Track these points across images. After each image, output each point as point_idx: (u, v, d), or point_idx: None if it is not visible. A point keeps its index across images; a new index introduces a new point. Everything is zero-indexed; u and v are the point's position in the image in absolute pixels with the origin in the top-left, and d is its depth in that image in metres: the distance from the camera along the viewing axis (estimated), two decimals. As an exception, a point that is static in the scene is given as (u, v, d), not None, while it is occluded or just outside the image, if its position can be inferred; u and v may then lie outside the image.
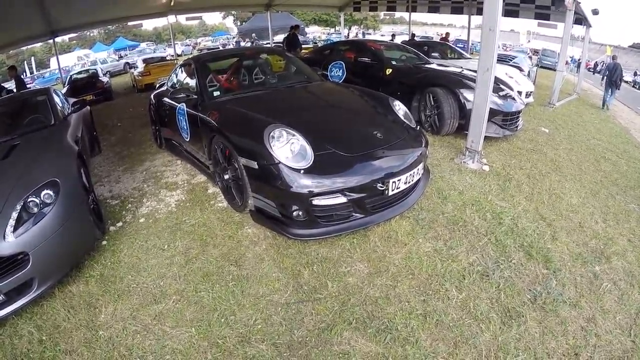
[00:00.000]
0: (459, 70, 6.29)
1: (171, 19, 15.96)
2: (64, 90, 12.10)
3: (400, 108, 4.01)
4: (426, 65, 6.72)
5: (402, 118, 3.84)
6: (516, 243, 3.19)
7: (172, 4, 14.59)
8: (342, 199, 2.90)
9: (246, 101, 4.00)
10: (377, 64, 6.79)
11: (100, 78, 12.98)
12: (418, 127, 3.87)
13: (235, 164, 3.31)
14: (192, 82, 4.52)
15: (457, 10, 16.29)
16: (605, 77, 12.72)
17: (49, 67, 26.56)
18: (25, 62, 34.40)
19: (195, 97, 4.12)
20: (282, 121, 3.19)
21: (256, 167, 3.00)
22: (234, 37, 21.59)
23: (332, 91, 4.63)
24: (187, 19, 17.75)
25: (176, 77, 5.40)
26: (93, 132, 6.20)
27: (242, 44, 26.83)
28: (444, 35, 19.95)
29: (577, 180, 4.81)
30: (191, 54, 31.42)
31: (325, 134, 3.25)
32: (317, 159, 2.91)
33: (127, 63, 22.98)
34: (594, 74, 30.10)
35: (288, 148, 2.95)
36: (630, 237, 3.60)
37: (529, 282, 2.77)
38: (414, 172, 3.24)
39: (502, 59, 14.69)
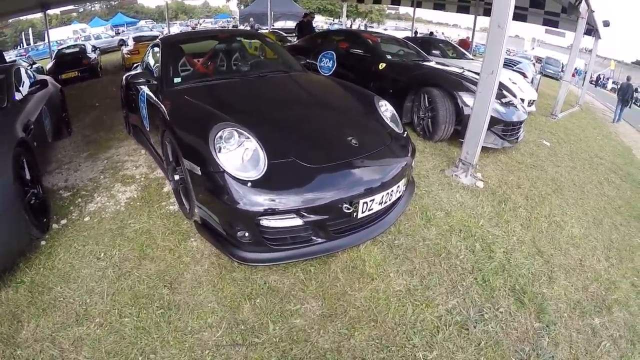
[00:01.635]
0: (459, 70, 5.83)
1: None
2: (49, 65, 11.59)
3: (387, 109, 3.49)
4: (424, 63, 6.23)
5: (388, 121, 3.31)
6: (507, 285, 2.69)
7: None
8: (297, 221, 2.40)
9: (205, 91, 3.51)
10: (370, 57, 6.27)
11: (87, 54, 12.41)
12: (405, 132, 3.37)
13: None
14: (157, 64, 4.07)
15: (463, 9, 15.65)
16: (618, 95, 13.81)
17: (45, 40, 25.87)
18: (23, 33, 33.54)
19: (156, 82, 3.65)
20: (236, 118, 2.72)
21: (199, 173, 2.51)
22: (234, 19, 20.82)
23: (310, 85, 4.05)
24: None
25: (148, 57, 4.87)
26: (62, 114, 5.72)
27: (240, 27, 26.07)
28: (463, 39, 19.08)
29: (580, 205, 4.36)
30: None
31: (287, 137, 2.77)
32: (271, 168, 2.42)
33: (122, 40, 22.25)
34: (595, 86, 29.76)
35: (238, 153, 2.46)
36: (634, 279, 3.16)
37: (517, 338, 2.29)
38: (392, 190, 2.73)
39: (506, 64, 14.19)
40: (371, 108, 3.44)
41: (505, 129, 5.12)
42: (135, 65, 5.88)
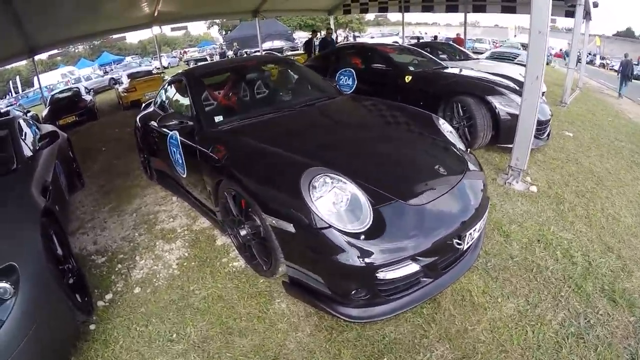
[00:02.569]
0: (483, 74, 5.72)
1: (156, 30, 15.01)
2: (44, 112, 11.21)
3: (446, 127, 3.24)
4: (446, 71, 6.09)
5: (452, 140, 3.05)
6: (596, 287, 2.67)
7: (155, 14, 13.78)
8: (414, 267, 2.12)
9: (260, 129, 3.13)
10: (392, 71, 6.09)
11: (83, 97, 12.08)
12: (468, 148, 3.13)
13: (256, 219, 2.51)
14: (184, 103, 3.72)
15: (452, 8, 15.59)
16: (619, 72, 14.60)
17: (34, 86, 25.48)
18: (10, 81, 33.20)
19: (191, 123, 3.28)
20: (319, 160, 2.37)
21: (292, 231, 2.16)
22: (219, 47, 20.57)
23: (363, 109, 3.72)
24: (172, 29, 16.84)
25: (165, 95, 4.56)
26: (72, 165, 5.33)
27: (229, 53, 25.92)
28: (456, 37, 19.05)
29: (622, 194, 4.30)
30: (177, 65, 30.63)
31: (379, 175, 2.42)
32: (377, 214, 2.11)
33: (112, 79, 21.96)
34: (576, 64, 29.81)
35: (339, 203, 2.12)
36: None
37: (622, 336, 2.28)
38: (485, 213, 2.50)
39: (506, 57, 14.09)
40: (434, 129, 3.17)
41: (538, 128, 4.92)
42: (146, 103, 5.53)
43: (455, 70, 6.04)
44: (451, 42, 13.07)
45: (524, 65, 10.22)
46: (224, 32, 44.91)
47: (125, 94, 12.12)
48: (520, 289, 2.62)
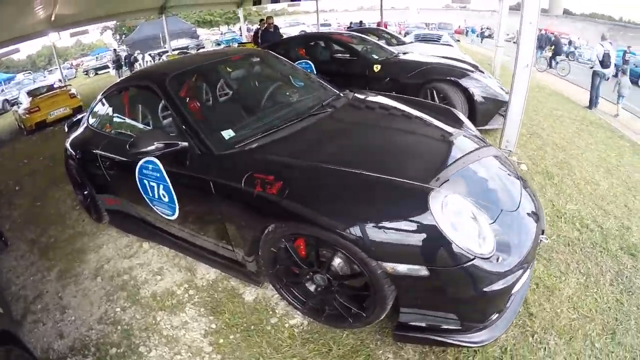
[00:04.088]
0: (444, 59, 5.77)
1: (54, 37, 13.12)
2: None
3: (465, 119, 3.07)
4: (407, 57, 5.94)
5: (476, 132, 2.91)
6: (616, 247, 3.10)
7: (52, 18, 12.03)
8: (523, 272, 1.90)
9: (297, 144, 2.40)
10: (358, 60, 5.86)
11: (-26, 127, 10.04)
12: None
13: (335, 266, 2.05)
14: (153, 117, 3.07)
15: None
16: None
17: None
18: None
19: (183, 145, 2.44)
20: (420, 179, 1.92)
21: (425, 274, 1.74)
22: (117, 52, 18.31)
23: (390, 109, 3.04)
24: (72, 34, 14.97)
25: (108, 110, 3.58)
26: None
27: (139, 57, 23.74)
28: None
29: (587, 159, 4.92)
30: (75, 76, 27.51)
31: (473, 187, 2.11)
32: (498, 230, 1.88)
33: (6, 100, 18.97)
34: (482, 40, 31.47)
35: (470, 227, 1.79)
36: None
37: None
38: None
39: (429, 39, 14.14)
40: (462, 124, 2.90)
41: (504, 108, 4.97)
42: (70, 123, 4.66)
43: (414, 57, 5.91)
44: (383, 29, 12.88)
45: (450, 46, 10.98)
46: (118, 37, 41.84)
47: (28, 115, 10.19)
48: (571, 264, 2.85)
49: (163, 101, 2.70)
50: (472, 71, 5.06)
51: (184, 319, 2.66)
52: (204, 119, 2.70)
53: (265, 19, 9.90)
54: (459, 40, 19.89)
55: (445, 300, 1.84)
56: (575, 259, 2.90)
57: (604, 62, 9.96)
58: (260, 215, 2.12)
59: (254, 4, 18.27)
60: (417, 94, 4.94)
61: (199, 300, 2.80)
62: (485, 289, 1.74)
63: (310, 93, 3.29)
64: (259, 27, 11.24)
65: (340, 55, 6.04)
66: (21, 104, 11.07)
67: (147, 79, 3.03)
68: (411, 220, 1.74)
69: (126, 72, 16.18)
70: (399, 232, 1.74)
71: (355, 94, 3.26)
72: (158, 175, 2.64)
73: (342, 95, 3.19)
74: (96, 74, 24.67)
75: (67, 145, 4.09)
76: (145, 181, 2.82)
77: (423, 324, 1.95)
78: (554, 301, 2.49)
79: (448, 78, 4.94)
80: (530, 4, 4.02)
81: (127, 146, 2.43)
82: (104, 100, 3.70)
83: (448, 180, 1.97)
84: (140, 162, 2.75)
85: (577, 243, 3.09)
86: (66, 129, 4.65)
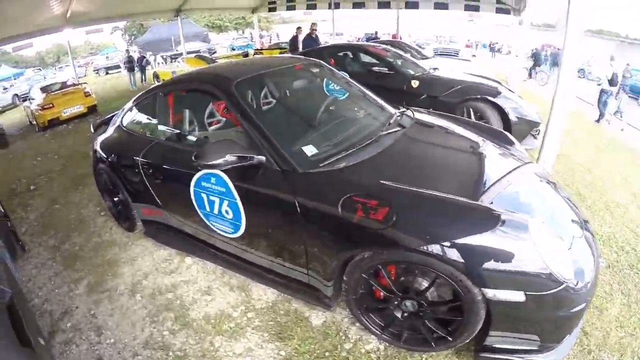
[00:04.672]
0: (480, 77, 5.72)
1: (68, 33, 12.91)
2: None
3: (516, 141, 3.02)
4: (442, 74, 5.79)
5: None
6: None
7: (68, 15, 11.86)
8: None
9: (394, 168, 2.26)
10: (396, 75, 5.71)
11: (-13, 122, 9.68)
12: None
13: (430, 292, 2.00)
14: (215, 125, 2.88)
15: (384, 5, 15.45)
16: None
17: None
18: None
19: (261, 159, 2.22)
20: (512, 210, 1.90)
21: (521, 300, 1.74)
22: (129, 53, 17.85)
23: (454, 131, 2.93)
24: (88, 32, 14.81)
25: (154, 114, 3.28)
26: (8, 226, 3.73)
27: (150, 58, 23.40)
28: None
29: (610, 180, 4.99)
30: (85, 75, 27.19)
31: (547, 213, 2.16)
32: (574, 255, 1.92)
33: (16, 95, 18.62)
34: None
35: (563, 253, 1.85)
36: None
37: None
38: None
39: (448, 53, 13.93)
40: (512, 144, 2.92)
41: (536, 129, 4.97)
42: (99, 122, 4.24)
43: (450, 74, 5.76)
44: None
45: (468, 61, 10.94)
46: (127, 37, 41.72)
47: (41, 111, 9.83)
48: (613, 285, 2.88)
49: (228, 108, 2.50)
50: (503, 90, 5.00)
51: (247, 345, 2.35)
52: (280, 132, 2.42)
53: (310, 24, 9.80)
54: (474, 55, 19.62)
55: (532, 323, 1.86)
56: (616, 280, 2.96)
57: (612, 81, 10.47)
58: (357, 240, 1.96)
59: (269, 10, 18.19)
60: (453, 111, 4.75)
61: (260, 324, 2.54)
62: (570, 311, 1.80)
63: (372, 108, 3.11)
64: (295, 33, 11.25)
65: (377, 68, 5.88)
66: (33, 99, 10.71)
67: (209, 82, 2.77)
68: (513, 247, 1.73)
69: (137, 74, 15.77)
70: (502, 258, 1.73)
71: (414, 113, 3.11)
72: (224, 190, 2.41)
73: (404, 113, 3.05)
74: (107, 73, 24.42)
75: (97, 147, 3.76)
76: (203, 195, 2.59)
77: (507, 346, 1.95)
78: (603, 320, 2.55)
79: (485, 97, 4.84)
80: (575, 21, 3.76)
81: (193, 157, 2.19)
82: (144, 101, 3.42)
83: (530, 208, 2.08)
84: (199, 175, 2.54)
85: (616, 265, 3.15)
86: (92, 130, 4.31)
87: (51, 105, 9.92)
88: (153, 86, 3.46)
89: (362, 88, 3.36)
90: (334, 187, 2.04)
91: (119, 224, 3.97)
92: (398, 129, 2.65)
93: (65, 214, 4.66)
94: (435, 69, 6.02)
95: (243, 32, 42.01)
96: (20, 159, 8.08)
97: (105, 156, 3.60)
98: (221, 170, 2.32)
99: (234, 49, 20.36)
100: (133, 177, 3.28)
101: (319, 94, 3.12)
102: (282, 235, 2.30)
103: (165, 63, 19.85)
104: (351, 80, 3.48)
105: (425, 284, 1.96)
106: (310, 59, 3.47)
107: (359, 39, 21.84)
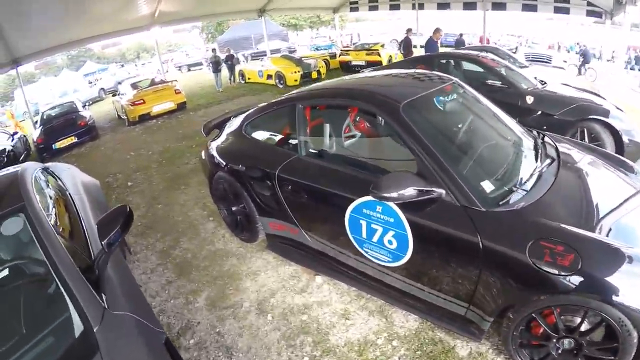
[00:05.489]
0: (583, 91, 5.37)
1: (156, 32, 13.29)
2: (36, 135, 9.19)
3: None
4: (553, 89, 5.31)
5: None
6: None
7: (156, 15, 12.18)
8: None
9: (570, 209, 2.16)
10: (510, 89, 5.21)
11: (80, 113, 9.94)
12: None
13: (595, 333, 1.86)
14: (372, 147, 2.92)
15: (469, 6, 14.53)
16: None
17: (14, 100, 22.85)
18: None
19: (440, 192, 2.08)
20: None
21: None
22: (215, 52, 17.86)
23: (596, 162, 2.71)
24: (175, 31, 15.28)
25: (292, 126, 3.02)
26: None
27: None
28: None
29: None
30: (167, 71, 28.15)
31: None
32: None
33: (102, 89, 19.58)
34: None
35: None
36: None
37: None
38: None
39: (540, 60, 12.84)
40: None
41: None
42: (216, 122, 4.16)
43: (563, 90, 5.32)
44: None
45: (562, 69, 9.86)
46: (204, 36, 42.93)
47: (132, 107, 10.06)
48: None
49: (398, 133, 2.31)
50: (611, 108, 4.63)
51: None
52: (458, 163, 2.25)
53: (436, 29, 9.31)
54: (565, 61, 18.17)
55: None
56: None
57: None
58: (537, 283, 1.88)
59: (351, 10, 17.94)
60: (566, 130, 4.51)
61: (407, 353, 2.32)
62: None
63: (515, 133, 2.82)
64: (406, 34, 11.02)
65: (490, 81, 5.42)
66: (123, 94, 11.01)
67: (371, 103, 2.58)
68: None
69: (223, 74, 15.64)
70: None
71: (553, 138, 2.93)
72: (391, 220, 2.24)
73: (544, 140, 2.85)
74: (189, 70, 25.15)
75: (214, 152, 3.57)
76: (363, 222, 2.41)
77: None
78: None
79: (600, 118, 4.46)
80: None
81: (371, 188, 2.08)
82: (275, 110, 3.23)
83: None
84: (361, 201, 2.37)
85: None
86: (203, 132, 4.10)
87: (142, 101, 10.14)
88: (287, 96, 3.21)
89: (495, 108, 3.04)
90: (519, 229, 1.95)
91: (235, 234, 3.70)
92: (550, 160, 2.51)
93: (169, 216, 4.50)
94: (543, 82, 5.53)
95: (318, 30, 41.96)
96: (112, 152, 8.25)
97: (225, 164, 3.39)
98: (395, 207, 2.20)
99: (317, 49, 19.85)
100: (264, 191, 3.08)
101: (471, 117, 2.84)
102: (452, 270, 2.15)
103: (247, 61, 20.01)
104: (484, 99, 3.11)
105: (589, 325, 1.89)
106: (450, 77, 3.05)
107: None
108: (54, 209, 2.32)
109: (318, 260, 2.98)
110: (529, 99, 4.99)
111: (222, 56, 14.41)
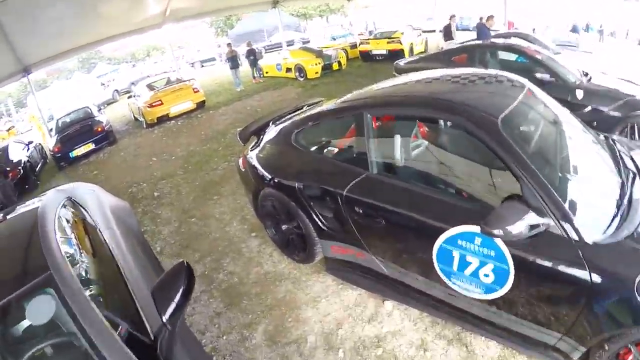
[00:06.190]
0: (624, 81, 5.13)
1: (168, 29, 12.92)
2: (52, 143, 8.88)
3: None
4: (601, 82, 5.07)
5: None
6: None
7: (167, 13, 11.81)
8: None
9: None
10: (559, 82, 4.99)
11: (96, 118, 9.62)
12: None
13: None
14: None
15: None
16: None
17: (27, 106, 22.76)
18: (2, 104, 30.87)
19: (549, 224, 1.84)
20: None
21: None
22: (231, 47, 16.73)
23: None
24: (183, 27, 14.93)
25: (360, 139, 2.63)
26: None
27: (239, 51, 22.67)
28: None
29: None
30: (179, 68, 27.70)
31: None
32: None
33: (116, 90, 19.25)
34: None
35: None
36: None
37: None
38: None
39: (568, 44, 12.01)
40: None
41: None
42: (271, 124, 3.62)
43: (610, 83, 5.08)
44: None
45: (590, 53, 9.40)
46: (214, 30, 42.32)
47: (149, 109, 9.69)
48: None
49: (496, 153, 2.01)
50: None
51: None
52: (563, 190, 2.00)
53: (489, 16, 9.13)
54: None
55: None
56: None
57: None
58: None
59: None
60: (615, 126, 4.44)
61: None
62: None
63: (600, 147, 2.55)
64: (449, 21, 10.92)
65: (540, 75, 5.07)
66: (139, 96, 10.64)
67: (461, 115, 2.18)
68: None
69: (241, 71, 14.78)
70: None
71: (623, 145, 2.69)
72: (493, 254, 1.99)
73: (620, 147, 2.61)
74: (202, 66, 24.61)
75: (256, 164, 3.21)
76: (456, 253, 2.13)
77: None
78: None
79: None
80: None
81: (482, 224, 1.81)
82: (334, 118, 2.90)
83: None
84: (456, 231, 2.09)
85: None
86: (239, 140, 3.71)
87: (160, 102, 9.77)
88: (349, 102, 2.81)
89: (568, 114, 2.78)
90: (627, 262, 1.80)
91: (286, 254, 3.32)
92: (633, 176, 2.26)
93: (205, 232, 4.13)
94: (586, 73, 5.24)
95: (328, 19, 41.15)
96: (133, 158, 7.92)
97: (273, 178, 3.01)
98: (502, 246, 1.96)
99: (334, 39, 19.12)
100: (327, 212, 2.72)
101: (556, 129, 2.53)
102: (552, 303, 1.99)
103: (261, 53, 19.35)
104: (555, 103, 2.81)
105: None
106: (520, 79, 2.73)
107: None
108: (85, 261, 1.94)
109: (388, 286, 2.63)
110: (579, 94, 4.79)
111: (241, 51, 13.88)
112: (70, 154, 8.55)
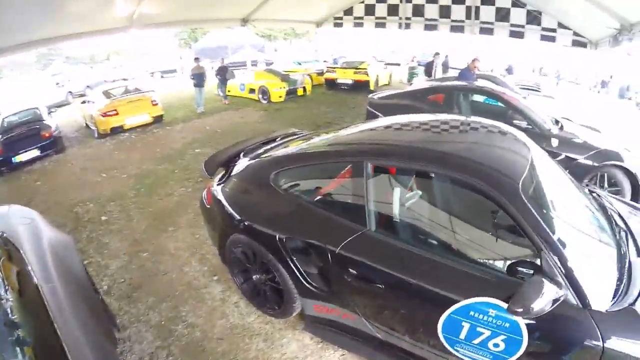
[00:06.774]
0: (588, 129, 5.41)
1: (134, 34, 12.31)
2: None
3: None
4: (569, 130, 5.17)
5: None
6: None
7: (134, 17, 11.24)
8: None
9: None
10: (535, 130, 4.95)
11: (45, 122, 8.70)
12: None
13: None
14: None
15: (457, 29, 14.38)
16: None
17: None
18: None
19: (564, 294, 1.79)
20: None
21: None
22: (199, 61, 16.00)
23: None
24: (150, 35, 14.26)
25: (362, 193, 2.35)
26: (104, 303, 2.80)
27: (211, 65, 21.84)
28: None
29: None
30: (140, 76, 26.52)
31: None
32: None
33: (70, 92, 17.95)
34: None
35: None
36: None
37: None
38: None
39: (530, 88, 12.46)
40: None
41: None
42: (258, 150, 3.33)
43: (581, 132, 5.17)
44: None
45: (552, 98, 9.72)
46: (176, 41, 41.57)
47: (103, 118, 8.95)
48: None
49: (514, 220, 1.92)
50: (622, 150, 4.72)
51: None
52: (574, 257, 1.91)
53: (473, 59, 8.50)
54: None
55: None
56: None
57: None
58: None
59: (335, 26, 17.44)
60: (585, 175, 4.57)
61: None
62: None
63: (593, 206, 2.54)
64: (433, 58, 10.82)
65: (517, 122, 5.06)
66: (93, 102, 9.86)
67: (479, 177, 2.03)
68: None
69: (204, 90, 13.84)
70: None
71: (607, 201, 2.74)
72: (507, 326, 1.88)
73: (608, 207, 2.60)
74: (162, 77, 23.59)
75: (225, 203, 2.87)
76: (466, 324, 1.98)
77: None
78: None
79: (618, 163, 4.53)
80: None
81: (510, 304, 1.77)
82: (331, 163, 2.59)
83: None
84: (468, 302, 1.96)
85: None
86: (205, 172, 3.27)
87: (115, 112, 9.09)
88: (346, 147, 2.62)
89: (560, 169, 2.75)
90: (635, 331, 1.80)
91: (256, 306, 2.95)
92: (624, 234, 2.30)
93: (160, 270, 3.67)
94: (557, 121, 5.33)
95: (291, 43, 41.24)
96: (80, 171, 7.20)
97: (245, 222, 2.68)
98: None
99: (299, 64, 18.87)
100: (313, 269, 2.43)
101: (557, 189, 2.48)
102: None
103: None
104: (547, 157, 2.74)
105: None
106: (512, 129, 2.68)
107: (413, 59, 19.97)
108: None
109: (378, 349, 2.37)
110: (554, 142, 4.81)
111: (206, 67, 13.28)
112: (13, 158, 7.68)
